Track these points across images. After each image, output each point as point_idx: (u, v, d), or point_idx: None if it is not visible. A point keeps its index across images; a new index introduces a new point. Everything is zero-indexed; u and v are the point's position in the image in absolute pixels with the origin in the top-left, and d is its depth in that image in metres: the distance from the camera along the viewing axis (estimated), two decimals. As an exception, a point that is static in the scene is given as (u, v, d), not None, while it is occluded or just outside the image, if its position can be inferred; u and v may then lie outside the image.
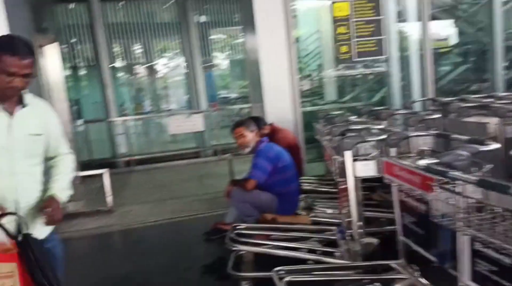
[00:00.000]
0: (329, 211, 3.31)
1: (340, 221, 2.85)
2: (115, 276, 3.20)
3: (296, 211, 3.43)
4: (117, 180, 6.14)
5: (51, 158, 1.97)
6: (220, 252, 3.31)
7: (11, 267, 1.61)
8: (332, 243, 2.73)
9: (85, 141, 7.45)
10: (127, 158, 7.34)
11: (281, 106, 4.70)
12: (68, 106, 6.60)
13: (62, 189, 1.89)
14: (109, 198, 4.70)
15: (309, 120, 4.95)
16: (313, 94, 7.62)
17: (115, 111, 7.80)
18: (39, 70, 5.30)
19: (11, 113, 1.76)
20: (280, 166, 3.36)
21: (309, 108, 6.17)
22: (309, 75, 8.15)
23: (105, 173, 4.69)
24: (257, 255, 2.81)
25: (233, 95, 12.69)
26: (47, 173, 1.98)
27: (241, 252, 2.86)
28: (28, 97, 1.84)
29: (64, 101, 6.34)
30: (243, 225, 3.06)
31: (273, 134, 4.00)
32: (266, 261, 2.68)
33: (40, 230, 1.82)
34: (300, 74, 5.49)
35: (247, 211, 3.34)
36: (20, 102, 1.79)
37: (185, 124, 7.10)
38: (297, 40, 6.88)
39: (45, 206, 1.78)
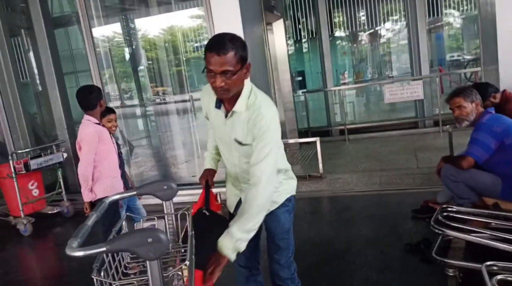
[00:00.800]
0: None
1: None
2: (318, 239, 3.42)
3: (529, 198, 2.81)
4: (330, 148, 6.40)
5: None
6: (427, 232, 3.07)
7: None
8: None
9: (304, 110, 7.98)
10: (341, 127, 7.49)
11: (521, 69, 3.86)
12: (291, 77, 7.18)
13: (234, 239, 1.57)
14: (321, 165, 4.94)
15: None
16: None
17: (333, 81, 8.01)
18: (267, 45, 5.94)
19: (226, 114, 1.75)
20: (508, 143, 2.77)
21: None
22: None
23: (317, 141, 4.94)
24: (469, 243, 2.47)
25: (465, 58, 11.10)
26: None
27: (449, 237, 2.58)
28: (242, 103, 1.68)
29: (287, 73, 6.94)
30: (454, 208, 2.71)
31: (505, 104, 3.32)
32: (480, 252, 2.35)
33: None
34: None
35: (462, 193, 2.93)
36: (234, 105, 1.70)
37: (402, 92, 6.69)
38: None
39: (208, 263, 1.56)
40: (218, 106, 1.76)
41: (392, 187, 4.34)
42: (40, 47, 5.90)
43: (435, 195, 3.50)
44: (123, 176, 3.19)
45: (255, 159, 1.66)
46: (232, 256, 1.58)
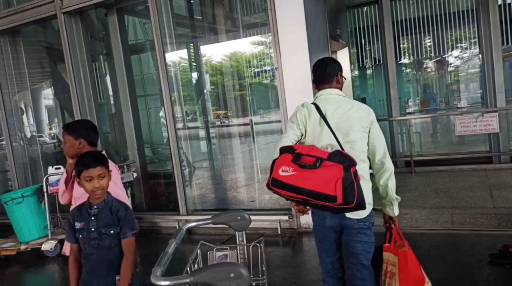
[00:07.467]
0: None
1: None
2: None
3: None
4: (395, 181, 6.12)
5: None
6: (508, 281, 2.82)
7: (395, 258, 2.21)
8: None
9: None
10: (407, 158, 7.18)
11: None
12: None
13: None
14: (386, 198, 4.73)
15: None
16: None
17: (398, 110, 7.76)
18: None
19: None
20: None
21: None
22: None
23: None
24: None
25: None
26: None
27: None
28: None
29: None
30: (543, 257, 2.47)
31: None
32: None
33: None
34: None
35: (551, 240, 2.67)
36: None
37: (475, 124, 6.32)
38: None
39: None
40: None
41: (465, 227, 4.05)
42: (117, 72, 6.34)
43: (516, 240, 3.22)
44: None
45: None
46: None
